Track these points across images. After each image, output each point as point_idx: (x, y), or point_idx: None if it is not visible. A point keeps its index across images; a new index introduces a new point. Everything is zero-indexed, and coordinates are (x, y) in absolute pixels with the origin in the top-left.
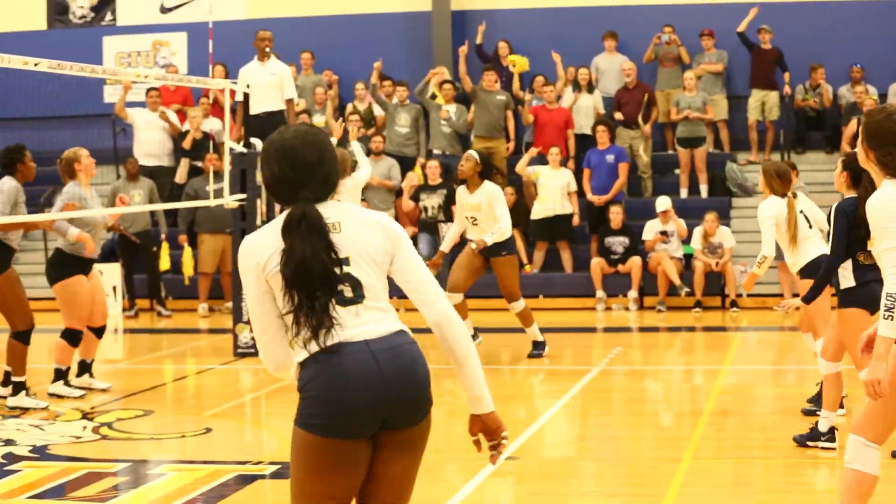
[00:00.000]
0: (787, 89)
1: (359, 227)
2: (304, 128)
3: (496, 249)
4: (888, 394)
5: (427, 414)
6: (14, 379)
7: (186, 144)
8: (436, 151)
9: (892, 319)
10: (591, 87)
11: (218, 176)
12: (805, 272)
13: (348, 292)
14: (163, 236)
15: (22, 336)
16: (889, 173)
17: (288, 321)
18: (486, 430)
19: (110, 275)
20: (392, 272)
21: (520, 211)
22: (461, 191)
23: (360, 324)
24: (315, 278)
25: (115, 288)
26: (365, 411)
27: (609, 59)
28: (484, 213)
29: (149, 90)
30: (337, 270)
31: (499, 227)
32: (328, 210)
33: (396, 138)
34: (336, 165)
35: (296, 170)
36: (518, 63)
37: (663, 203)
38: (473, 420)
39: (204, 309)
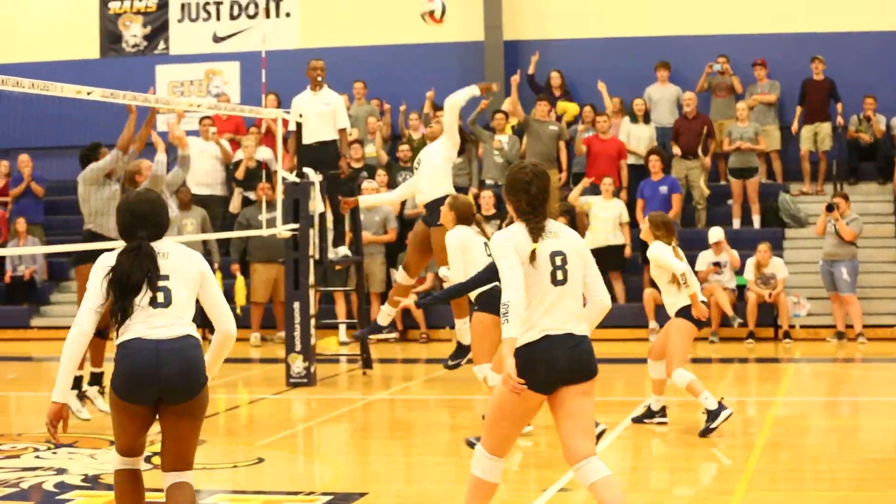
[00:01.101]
0: (839, 120)
1: (181, 258)
2: (142, 192)
3: None
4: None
5: (195, 395)
6: (92, 369)
7: (240, 174)
8: (488, 181)
9: (507, 323)
10: (647, 118)
11: (270, 205)
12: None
13: (160, 299)
14: (215, 265)
15: (99, 332)
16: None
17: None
18: None
19: None
20: (200, 294)
21: None
22: None
23: (159, 325)
24: (131, 285)
25: None
26: (141, 388)
27: (662, 90)
28: None
29: (202, 119)
30: (158, 283)
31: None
32: (162, 245)
33: None
34: (165, 216)
35: (135, 218)
36: (568, 110)
37: (716, 234)
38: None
39: (256, 338)
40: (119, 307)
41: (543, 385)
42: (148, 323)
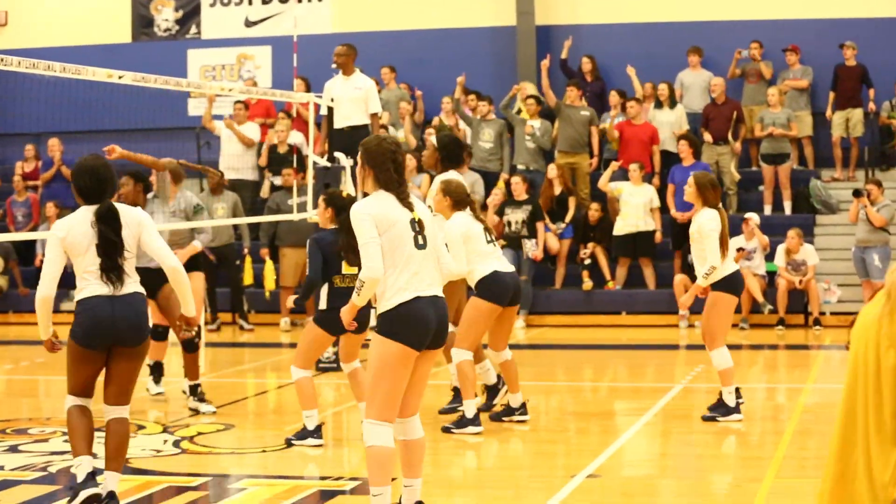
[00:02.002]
0: (871, 106)
1: (127, 216)
2: (96, 156)
3: None
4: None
5: (143, 342)
6: (190, 383)
7: (262, 161)
8: (520, 167)
9: (358, 294)
10: (673, 103)
11: (301, 190)
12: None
13: (120, 259)
14: (245, 250)
15: (187, 345)
16: (382, 187)
17: (81, 273)
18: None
19: (194, 286)
20: (141, 241)
21: (603, 227)
22: (426, 181)
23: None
24: (109, 248)
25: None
26: (98, 336)
27: (693, 75)
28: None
29: (235, 103)
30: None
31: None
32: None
33: (480, 153)
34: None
35: (100, 183)
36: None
37: (752, 217)
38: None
39: (286, 323)
40: (112, 265)
41: (416, 343)
42: (101, 282)
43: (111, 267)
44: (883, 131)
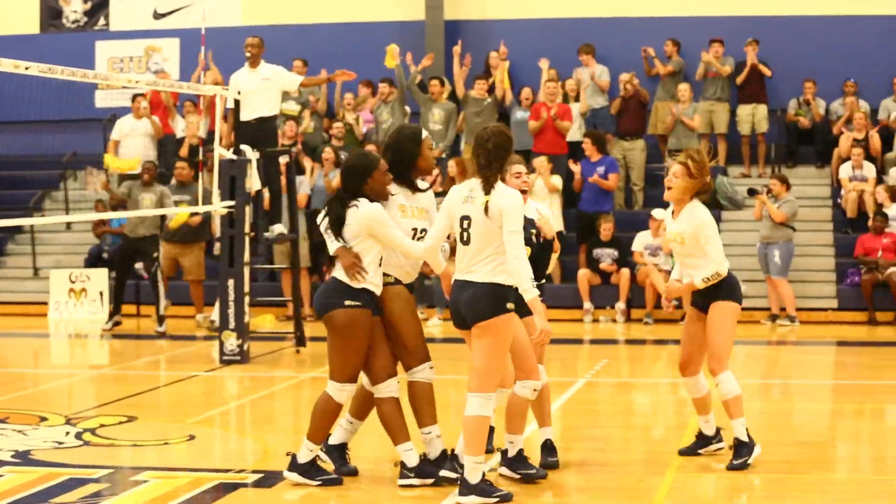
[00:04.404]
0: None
1: None
2: None
3: None
4: None
5: None
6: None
7: (183, 151)
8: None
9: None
10: (578, 98)
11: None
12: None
13: None
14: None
15: None
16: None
17: None
18: None
19: (98, 280)
20: None
21: None
22: None
23: None
24: None
25: (101, 293)
26: None
27: (600, 70)
28: None
29: (134, 96)
30: None
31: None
32: None
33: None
34: None
35: None
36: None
37: (660, 214)
38: None
39: (202, 319)
40: None
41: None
42: None
43: None
44: (790, 128)
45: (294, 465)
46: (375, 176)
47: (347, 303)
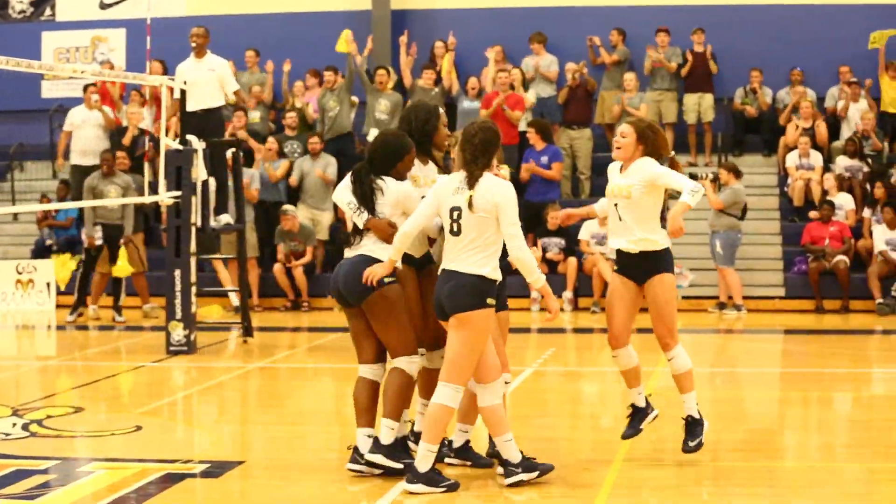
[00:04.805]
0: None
1: None
2: None
3: None
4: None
5: None
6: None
7: (126, 140)
8: (368, 139)
9: None
10: (526, 87)
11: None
12: None
13: None
14: (121, 240)
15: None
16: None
17: None
18: None
19: (44, 271)
20: None
21: None
22: None
23: None
24: None
25: (48, 284)
26: None
27: (548, 60)
28: None
29: (86, 87)
30: None
31: None
32: None
33: (376, 125)
34: None
35: None
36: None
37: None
38: None
39: (150, 308)
40: None
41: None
42: None
43: None
44: (737, 117)
45: (378, 447)
46: (406, 160)
47: (387, 280)
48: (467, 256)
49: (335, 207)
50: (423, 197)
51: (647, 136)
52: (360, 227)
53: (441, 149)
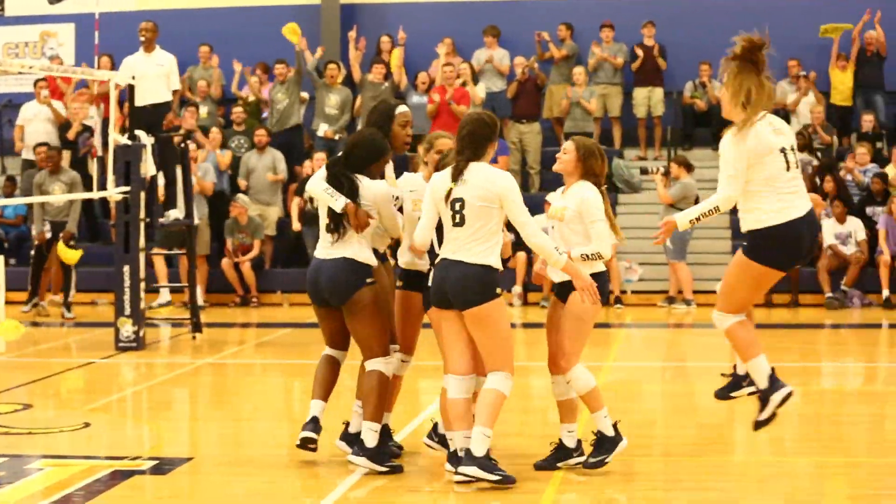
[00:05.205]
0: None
1: None
2: None
3: None
4: None
5: None
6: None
7: (71, 135)
8: (318, 134)
9: None
10: (475, 80)
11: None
12: None
13: None
14: (62, 234)
15: None
16: None
17: None
18: None
19: None
20: None
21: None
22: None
23: None
24: None
25: None
26: None
27: (496, 54)
28: None
29: (36, 81)
30: None
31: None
32: None
33: (325, 121)
34: None
35: None
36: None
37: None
38: None
39: (104, 302)
40: None
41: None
42: None
43: None
44: (686, 111)
45: (362, 449)
46: (381, 162)
47: (368, 280)
48: (472, 246)
49: (283, 202)
50: (396, 197)
51: (589, 157)
52: (338, 210)
53: (398, 150)
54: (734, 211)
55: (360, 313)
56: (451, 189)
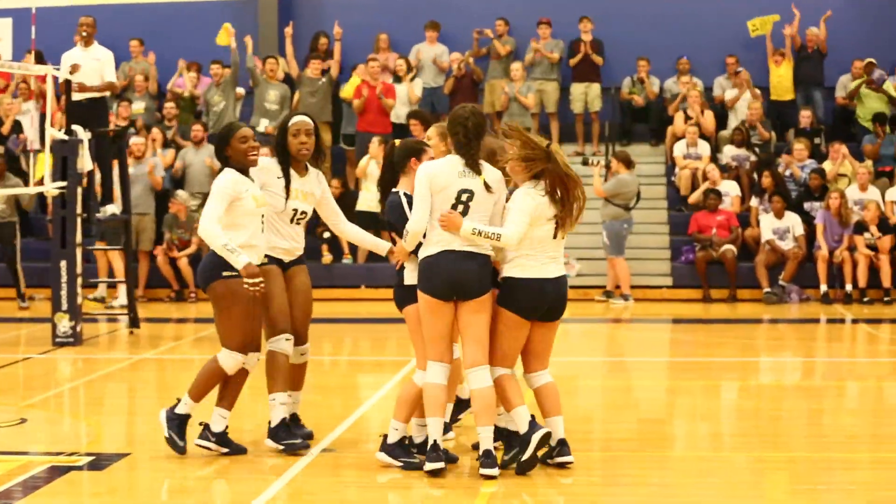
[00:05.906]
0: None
1: None
2: None
3: None
4: None
5: None
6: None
7: (5, 129)
8: (259, 129)
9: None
10: (412, 76)
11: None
12: None
13: None
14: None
15: None
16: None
17: None
18: None
19: None
20: None
21: (345, 202)
22: None
23: None
24: None
25: None
26: None
27: (432, 49)
28: None
29: None
30: None
31: None
32: None
33: (265, 116)
34: None
35: None
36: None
37: None
38: None
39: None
40: None
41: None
42: None
43: None
44: (624, 106)
45: (208, 433)
46: (232, 143)
47: (225, 273)
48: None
49: None
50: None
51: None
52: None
53: (298, 159)
54: (672, 205)
55: (214, 305)
56: (457, 180)
